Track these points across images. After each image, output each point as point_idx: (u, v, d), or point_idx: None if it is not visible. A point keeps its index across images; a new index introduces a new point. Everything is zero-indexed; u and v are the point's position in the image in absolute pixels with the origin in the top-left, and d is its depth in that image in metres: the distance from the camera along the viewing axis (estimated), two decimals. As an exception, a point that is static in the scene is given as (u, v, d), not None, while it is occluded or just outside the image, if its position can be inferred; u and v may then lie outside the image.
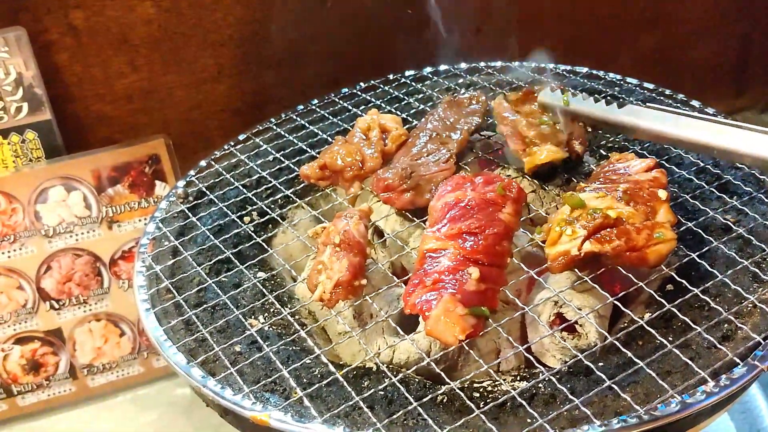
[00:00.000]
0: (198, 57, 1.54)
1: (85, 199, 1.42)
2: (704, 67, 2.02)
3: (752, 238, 0.91)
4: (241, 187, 1.14)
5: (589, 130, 1.07)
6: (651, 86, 1.23)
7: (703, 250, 0.89)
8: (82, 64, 1.48)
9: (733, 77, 2.08)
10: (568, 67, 1.30)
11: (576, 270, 0.85)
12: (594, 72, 1.28)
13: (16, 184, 1.39)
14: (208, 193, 1.14)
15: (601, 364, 0.79)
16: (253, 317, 0.93)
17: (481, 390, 0.80)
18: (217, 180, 1.17)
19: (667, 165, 1.04)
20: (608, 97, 1.12)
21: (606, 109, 1.04)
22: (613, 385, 0.74)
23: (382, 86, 1.33)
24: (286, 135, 1.23)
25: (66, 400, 1.48)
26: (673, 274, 0.87)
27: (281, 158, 1.18)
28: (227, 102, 1.59)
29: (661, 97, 1.20)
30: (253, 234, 1.06)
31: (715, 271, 0.87)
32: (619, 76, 1.26)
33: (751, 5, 1.99)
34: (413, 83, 1.33)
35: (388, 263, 1.00)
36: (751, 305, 0.82)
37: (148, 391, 1.51)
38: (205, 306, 0.95)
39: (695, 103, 1.17)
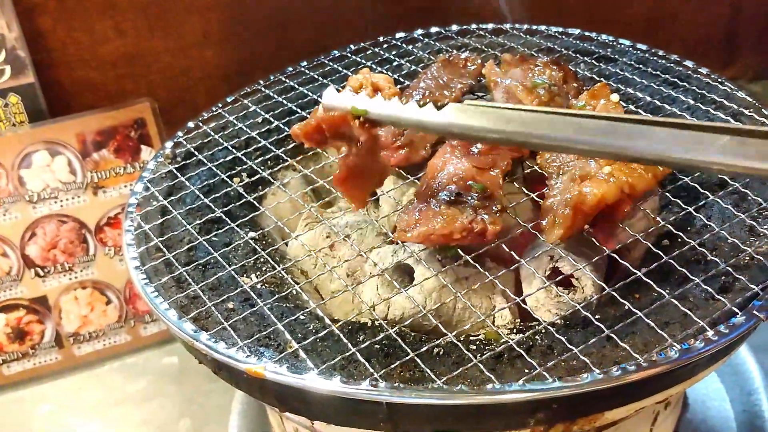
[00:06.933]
0: (185, 21, 1.51)
1: (69, 164, 1.40)
2: (694, 36, 2.00)
3: (748, 192, 0.90)
4: (230, 148, 1.12)
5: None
6: (644, 47, 1.21)
7: (699, 204, 0.89)
8: (66, 28, 1.45)
9: (722, 46, 2.07)
10: (560, 29, 1.28)
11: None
12: (586, 33, 1.27)
13: (-1, 149, 1.37)
14: (196, 153, 1.12)
15: (598, 316, 0.78)
16: (245, 275, 0.92)
17: (477, 342, 0.79)
18: (205, 141, 1.15)
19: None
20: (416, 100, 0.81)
21: (420, 113, 0.79)
22: (612, 335, 0.74)
23: (372, 48, 1.31)
24: (275, 96, 1.21)
25: (52, 369, 1.47)
26: (670, 227, 0.86)
27: (270, 119, 1.16)
28: (214, 68, 1.56)
29: (654, 57, 1.19)
30: (243, 193, 1.04)
31: (712, 224, 0.86)
32: (612, 38, 1.25)
33: (740, -25, 1.98)
34: (404, 45, 1.31)
35: (384, 220, 0.99)
36: (748, 257, 0.82)
37: (135, 359, 1.50)
38: (196, 264, 0.93)
39: (689, 63, 1.16)
